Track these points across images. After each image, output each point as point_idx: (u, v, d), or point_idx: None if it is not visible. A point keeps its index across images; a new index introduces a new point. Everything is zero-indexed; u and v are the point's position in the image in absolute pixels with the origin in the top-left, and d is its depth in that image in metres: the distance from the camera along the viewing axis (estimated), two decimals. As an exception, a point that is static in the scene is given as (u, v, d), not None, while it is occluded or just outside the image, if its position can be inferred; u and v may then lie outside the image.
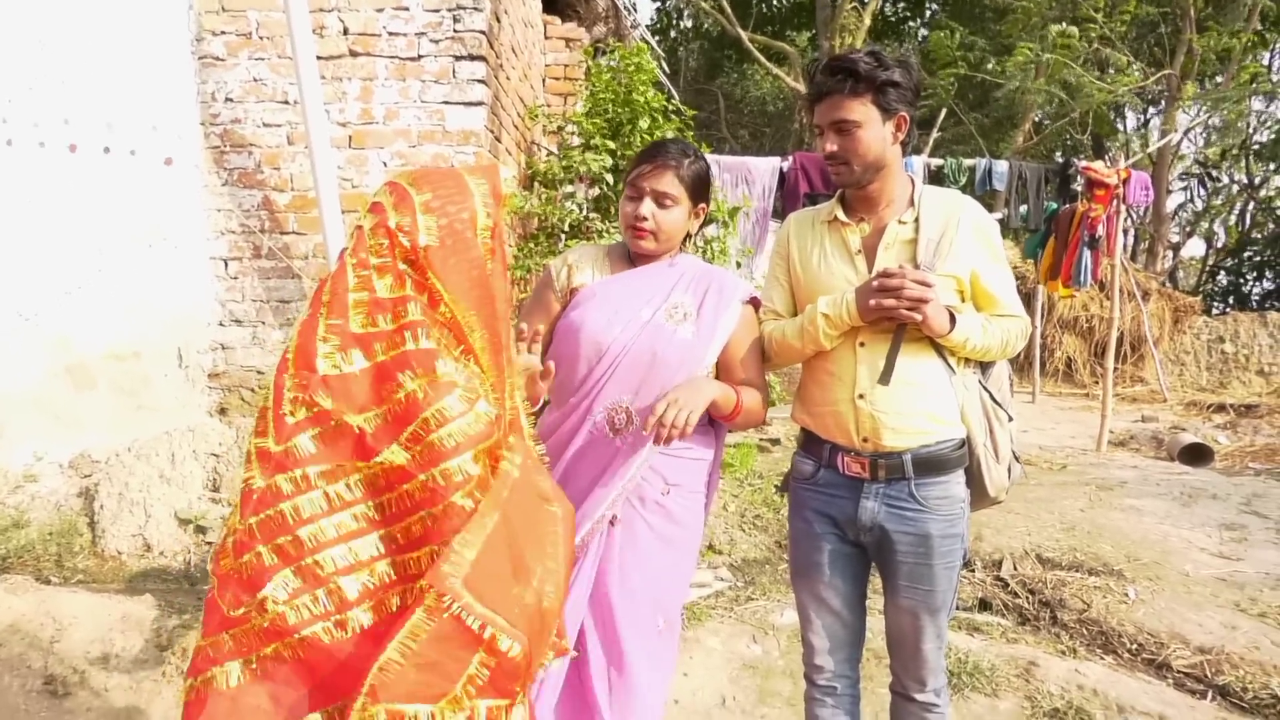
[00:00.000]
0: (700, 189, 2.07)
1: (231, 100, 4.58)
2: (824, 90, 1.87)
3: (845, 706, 2.09)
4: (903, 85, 1.85)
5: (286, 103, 4.55)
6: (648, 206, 2.00)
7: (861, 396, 1.90)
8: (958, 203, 1.97)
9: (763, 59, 15.30)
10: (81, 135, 4.24)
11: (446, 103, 4.52)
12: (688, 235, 2.13)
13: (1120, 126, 16.73)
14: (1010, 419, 2.04)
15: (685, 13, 19.44)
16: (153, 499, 4.17)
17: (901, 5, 19.92)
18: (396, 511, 1.38)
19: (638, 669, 1.93)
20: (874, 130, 1.86)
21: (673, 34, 20.00)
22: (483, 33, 4.46)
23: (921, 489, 1.91)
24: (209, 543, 4.21)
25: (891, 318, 1.81)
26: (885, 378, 1.86)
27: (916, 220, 1.93)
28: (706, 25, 18.24)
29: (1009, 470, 2.05)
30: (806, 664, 2.13)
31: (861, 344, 1.91)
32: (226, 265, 4.67)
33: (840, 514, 1.98)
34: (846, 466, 1.94)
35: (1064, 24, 12.17)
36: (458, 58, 4.50)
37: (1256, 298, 17.37)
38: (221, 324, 4.68)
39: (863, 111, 1.84)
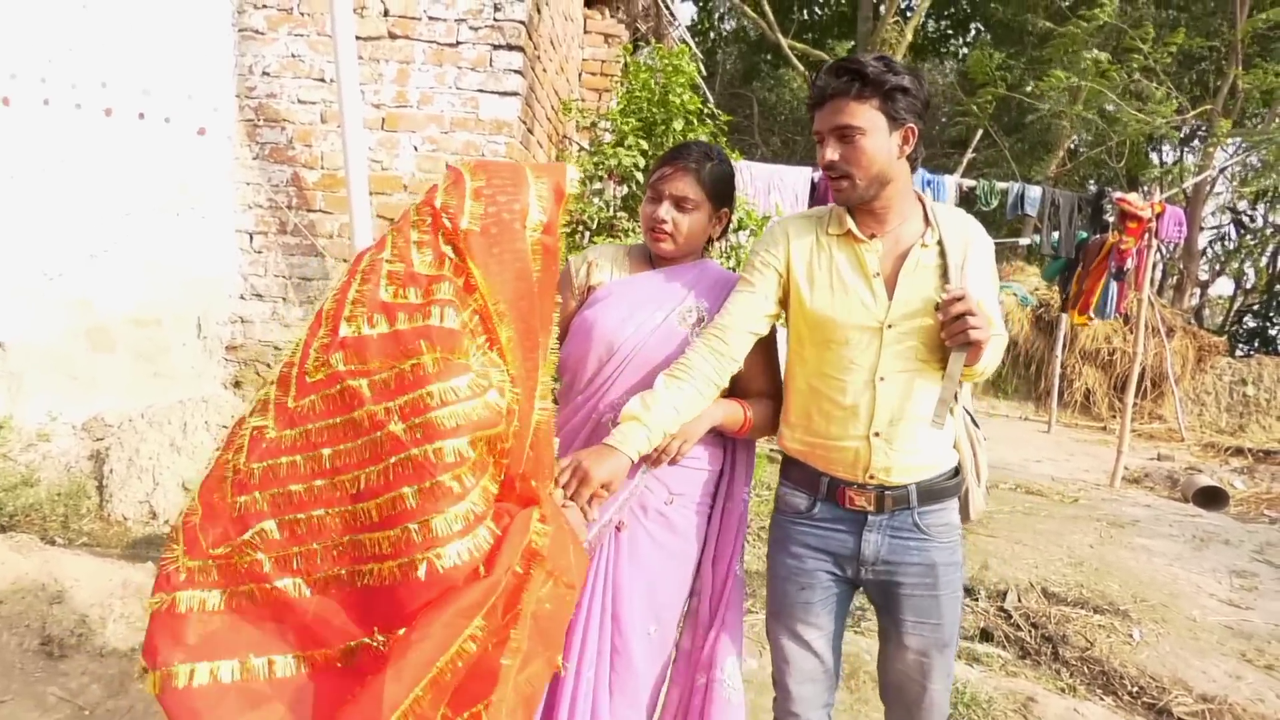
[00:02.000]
0: (723, 193, 2.04)
1: (268, 75, 4.59)
2: (827, 93, 1.71)
3: None
4: (913, 94, 1.70)
5: (322, 80, 4.55)
6: (666, 210, 1.97)
7: (878, 434, 1.79)
8: (966, 223, 1.87)
9: (800, 66, 15.22)
10: (118, 99, 4.26)
11: (481, 91, 4.51)
12: (710, 240, 2.11)
13: (1156, 159, 16.58)
14: (984, 439, 1.99)
15: (726, 15, 19.39)
16: (162, 467, 4.19)
17: (945, 23, 19.80)
18: (380, 484, 1.37)
19: (631, 670, 1.93)
20: (879, 139, 1.70)
21: (711, 35, 19.95)
22: (522, 23, 4.45)
23: (924, 518, 1.83)
24: (214, 514, 4.22)
25: (969, 344, 1.65)
26: (940, 418, 1.73)
27: (939, 243, 1.80)
28: (746, 27, 18.18)
29: (984, 492, 2.00)
30: (780, 710, 2.01)
31: (882, 379, 1.78)
32: (252, 239, 4.68)
33: (840, 549, 1.86)
34: (849, 500, 1.82)
35: (1101, 52, 12.05)
36: (496, 46, 4.49)
37: (1283, 342, 17.17)
38: (243, 297, 4.70)
39: (868, 117, 1.69)
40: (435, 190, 1.51)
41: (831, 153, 1.74)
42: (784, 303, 1.92)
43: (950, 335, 1.66)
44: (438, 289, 1.42)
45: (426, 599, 1.35)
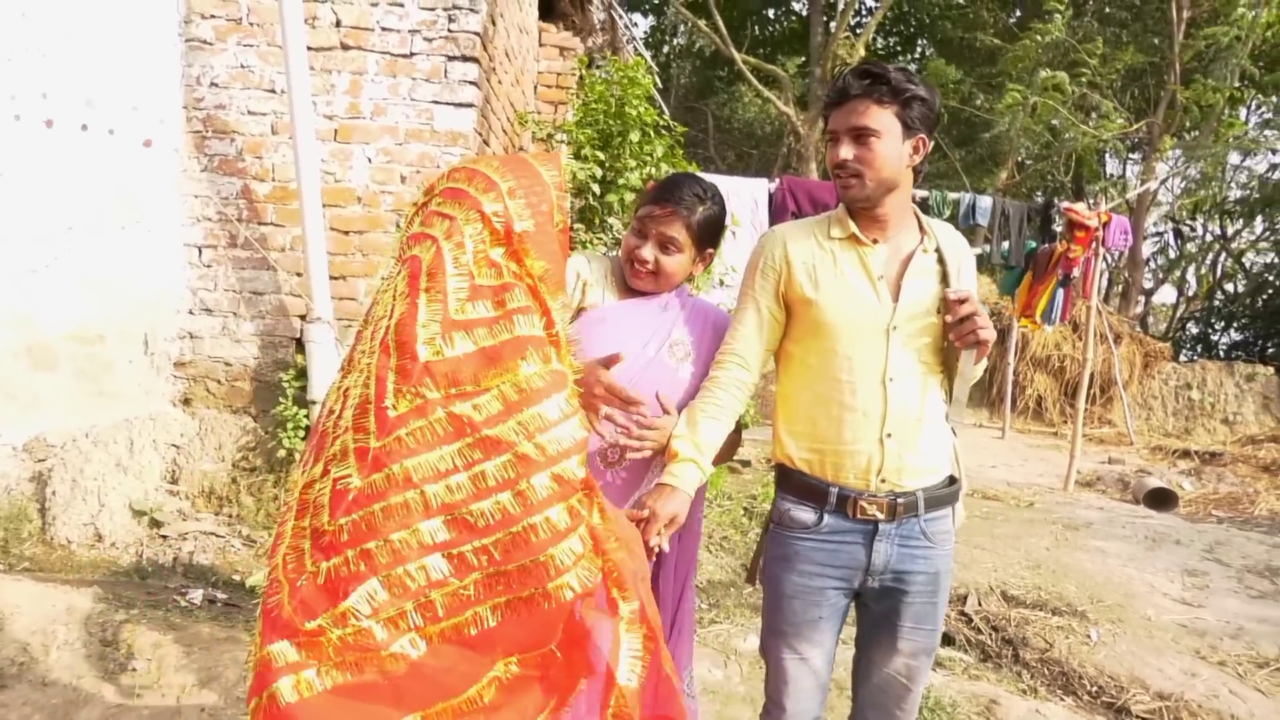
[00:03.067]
0: (710, 236, 2.03)
1: (217, 85, 4.49)
2: (849, 93, 1.76)
3: None
4: (929, 105, 1.77)
5: (273, 91, 4.47)
6: (649, 251, 1.96)
7: (890, 435, 1.80)
8: (954, 234, 1.96)
9: (754, 81, 15.38)
10: (59, 111, 4.14)
11: (436, 102, 4.47)
12: (690, 276, 2.09)
13: (1101, 171, 17.02)
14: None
15: (680, 30, 19.54)
16: (108, 488, 4.06)
17: (894, 39, 20.16)
18: (518, 511, 1.27)
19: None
20: (893, 144, 1.76)
21: (665, 50, 20.07)
22: (477, 34, 4.42)
23: (930, 525, 1.86)
24: (163, 536, 4.11)
25: (978, 343, 1.73)
26: (959, 416, 1.83)
27: (938, 250, 1.87)
28: (700, 44, 18.33)
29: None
30: None
31: (891, 380, 1.80)
32: (200, 253, 4.57)
33: (850, 562, 1.85)
34: (860, 511, 1.82)
35: (1054, 71, 12.34)
36: (450, 58, 4.45)
37: (1224, 347, 17.65)
38: (191, 312, 4.58)
39: (886, 121, 1.74)
40: (466, 194, 1.43)
41: (846, 151, 1.78)
42: (786, 310, 1.93)
43: (959, 336, 1.73)
44: (511, 297, 1.34)
45: (559, 621, 1.30)
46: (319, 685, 1.22)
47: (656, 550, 1.78)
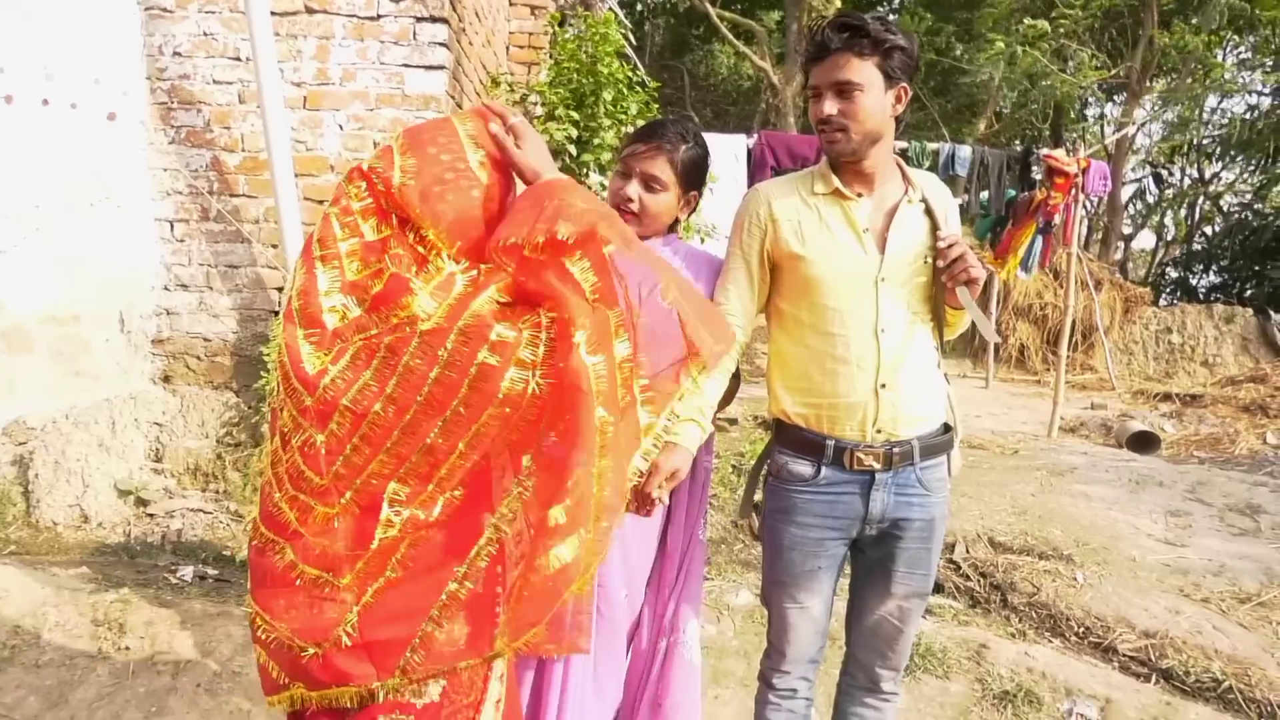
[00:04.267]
0: (694, 177, 2.02)
1: (180, 55, 4.39)
2: (829, 48, 1.75)
3: (801, 710, 2.05)
4: (908, 53, 1.77)
5: (238, 59, 4.37)
6: (634, 188, 1.95)
7: (884, 385, 1.81)
8: (938, 184, 1.98)
9: (730, 37, 15.17)
10: (18, 86, 4.02)
11: (406, 65, 4.38)
12: (676, 220, 2.08)
13: (1083, 115, 16.95)
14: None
15: (654, -14, 19.23)
16: (91, 468, 4.03)
17: (871, -12, 19.89)
18: (441, 395, 1.37)
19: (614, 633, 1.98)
20: (876, 96, 1.76)
21: (639, 8, 19.75)
22: (445, -6, 4.33)
23: (925, 473, 1.89)
24: (150, 514, 4.09)
25: (969, 280, 1.78)
26: (990, 334, 2.01)
27: (925, 200, 1.88)
28: (674, 1, 18.05)
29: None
30: (769, 669, 2.06)
31: (883, 330, 1.82)
32: (173, 227, 4.49)
33: (848, 513, 1.88)
34: (857, 462, 1.84)
35: (1038, 20, 12.19)
36: (419, 19, 4.36)
37: (1203, 290, 17.76)
38: (167, 288, 4.52)
39: (868, 74, 1.74)
40: (358, 167, 1.55)
41: (830, 107, 1.78)
42: (773, 267, 1.95)
43: (951, 277, 1.78)
44: (389, 246, 1.46)
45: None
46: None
47: (657, 502, 1.81)
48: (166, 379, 4.53)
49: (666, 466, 1.79)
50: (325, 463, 1.38)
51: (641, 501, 1.80)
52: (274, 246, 4.40)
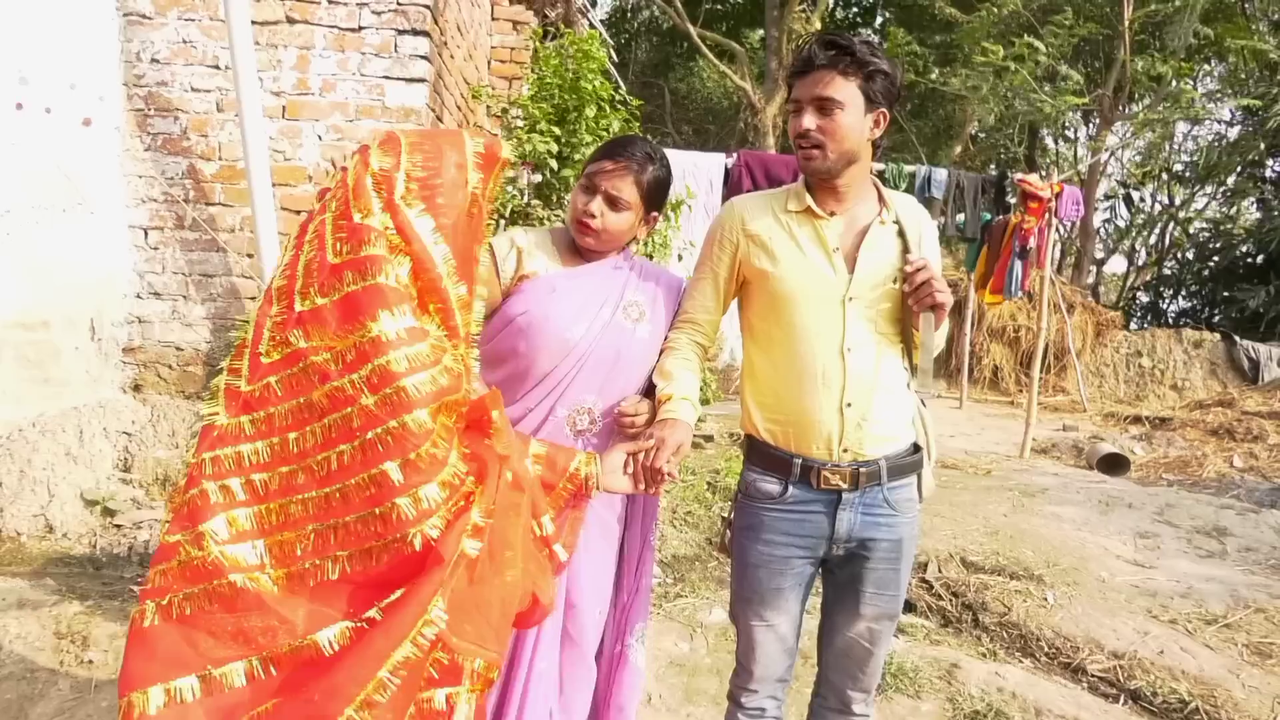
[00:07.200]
0: (656, 197, 2.01)
1: (158, 61, 4.36)
2: (814, 63, 1.76)
3: None
4: (891, 79, 1.79)
5: (217, 67, 4.35)
6: (598, 205, 1.93)
7: (850, 405, 1.82)
8: (916, 206, 1.99)
9: (712, 56, 15.28)
10: (-8, 89, 3.99)
11: (387, 77, 4.38)
12: (635, 239, 2.07)
13: (1051, 143, 17.21)
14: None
15: (640, 7, 19.36)
16: (57, 478, 3.96)
17: (853, 10, 20.14)
18: (356, 462, 1.32)
19: (581, 655, 1.97)
20: (855, 117, 1.77)
21: (626, 28, 19.87)
22: (427, 7, 4.33)
23: (893, 493, 1.88)
24: (117, 525, 4.02)
25: (934, 305, 1.78)
26: (925, 385, 1.88)
27: (897, 221, 1.89)
28: (659, 18, 18.17)
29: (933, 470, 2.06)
30: (738, 688, 2.04)
31: (849, 349, 1.82)
32: (146, 235, 4.45)
33: (814, 532, 1.87)
34: (824, 481, 1.83)
35: (1014, 42, 12.34)
36: (400, 31, 4.36)
37: (1173, 315, 18.04)
38: (139, 296, 4.46)
39: (849, 93, 1.75)
40: (368, 151, 1.49)
41: (809, 121, 1.78)
42: (741, 282, 1.96)
43: (918, 300, 1.78)
44: (370, 238, 1.39)
45: (418, 569, 1.31)
46: (153, 619, 1.31)
47: (668, 475, 1.80)
48: (137, 388, 4.47)
49: (673, 441, 1.78)
50: (209, 445, 1.37)
51: (653, 477, 1.79)
52: (249, 256, 4.37)
